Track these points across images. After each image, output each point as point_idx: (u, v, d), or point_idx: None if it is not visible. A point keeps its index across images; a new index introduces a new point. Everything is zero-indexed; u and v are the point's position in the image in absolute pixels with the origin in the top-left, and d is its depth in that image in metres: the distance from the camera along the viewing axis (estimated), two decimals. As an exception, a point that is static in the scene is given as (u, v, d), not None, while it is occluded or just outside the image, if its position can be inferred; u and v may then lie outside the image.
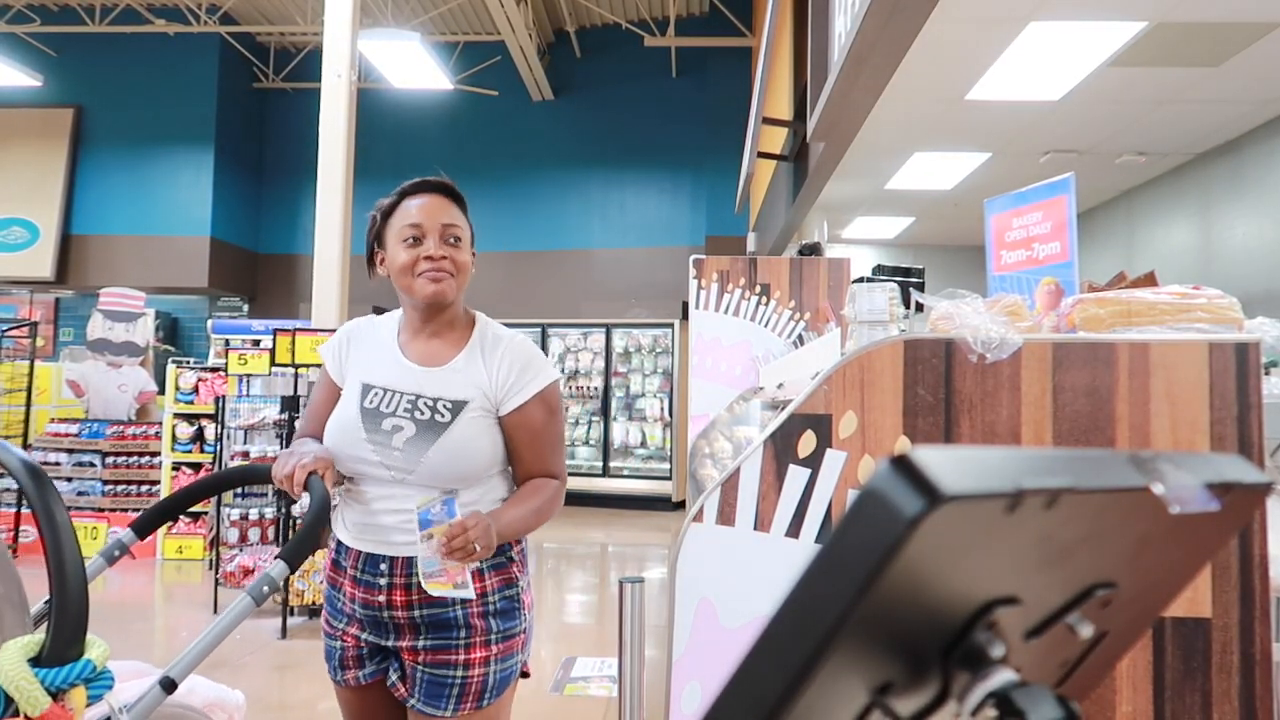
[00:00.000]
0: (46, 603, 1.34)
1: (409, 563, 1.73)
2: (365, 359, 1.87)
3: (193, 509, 6.93)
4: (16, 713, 1.12)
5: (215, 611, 5.49)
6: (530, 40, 10.45)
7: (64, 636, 1.16)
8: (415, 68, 9.27)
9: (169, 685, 1.31)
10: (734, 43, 10.85)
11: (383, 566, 1.75)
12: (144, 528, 1.71)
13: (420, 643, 1.76)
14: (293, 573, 1.55)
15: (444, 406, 1.78)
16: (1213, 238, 6.74)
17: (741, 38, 10.81)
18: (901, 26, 3.20)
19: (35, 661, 1.14)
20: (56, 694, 1.13)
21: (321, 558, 4.54)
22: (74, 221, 11.70)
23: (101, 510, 7.25)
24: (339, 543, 1.84)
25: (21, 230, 11.50)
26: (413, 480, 1.75)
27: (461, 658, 1.75)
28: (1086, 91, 5.36)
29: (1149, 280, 1.80)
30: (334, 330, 5.80)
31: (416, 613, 1.75)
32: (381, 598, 1.75)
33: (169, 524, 7.03)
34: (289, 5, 11.29)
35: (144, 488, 7.36)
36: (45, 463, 7.35)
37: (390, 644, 1.79)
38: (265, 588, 1.49)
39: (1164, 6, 4.21)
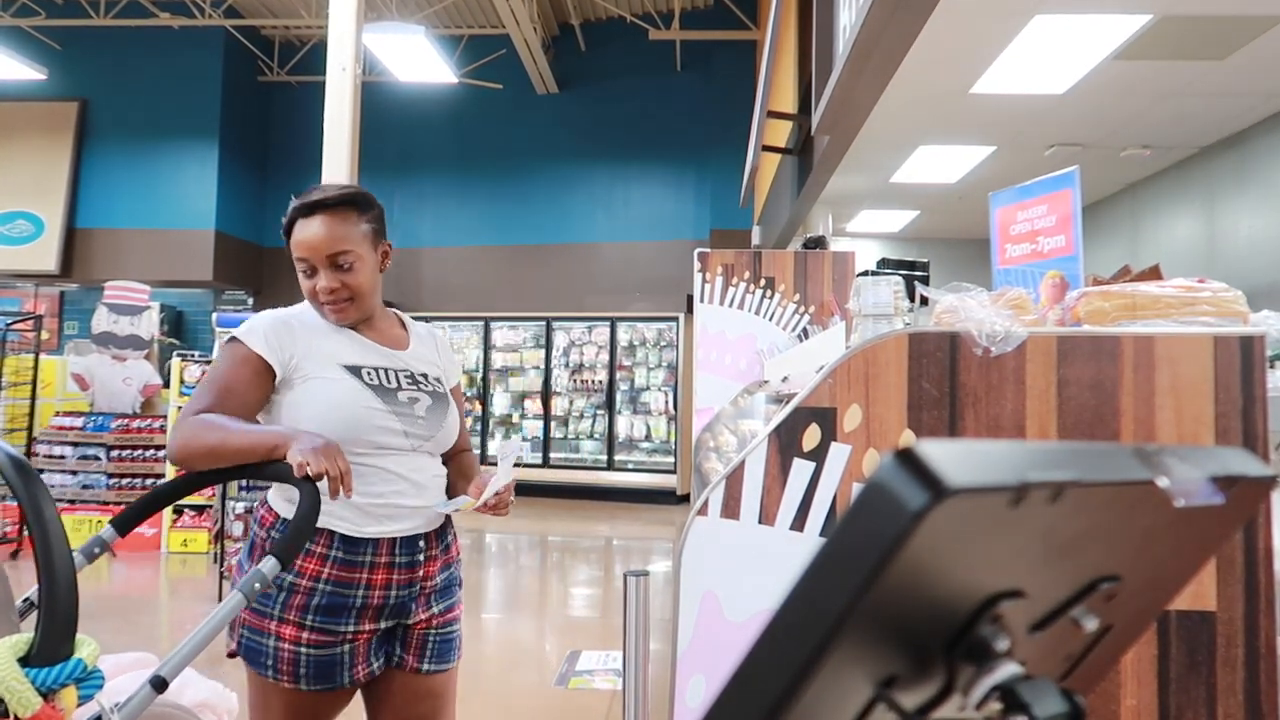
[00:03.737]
0: (25, 600, 1.31)
1: (439, 532, 1.90)
2: (324, 345, 1.83)
3: (198, 503, 6.96)
4: (6, 713, 1.10)
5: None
6: (535, 34, 10.43)
7: (54, 636, 1.13)
8: (420, 61, 9.26)
9: (160, 684, 1.29)
10: (738, 36, 10.82)
11: (421, 544, 1.85)
12: (125, 524, 1.64)
13: (436, 608, 1.89)
14: (284, 569, 1.51)
15: (434, 379, 1.95)
16: (1217, 231, 6.72)
17: (746, 31, 10.78)
18: (906, 19, 3.19)
19: (24, 661, 1.11)
20: (47, 694, 1.11)
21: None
22: (79, 215, 11.71)
23: (106, 503, 7.27)
24: (345, 539, 1.76)
25: (26, 224, 11.52)
26: (426, 449, 1.87)
27: (458, 613, 1.96)
28: (1091, 85, 5.34)
29: (1154, 274, 1.80)
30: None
31: (440, 578, 1.89)
32: (421, 572, 1.84)
33: (174, 517, 7.05)
34: (293, -2, 11.29)
35: (149, 481, 7.38)
36: (50, 456, 7.37)
37: (409, 620, 1.85)
38: (257, 584, 1.46)
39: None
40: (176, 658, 1.33)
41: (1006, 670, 0.45)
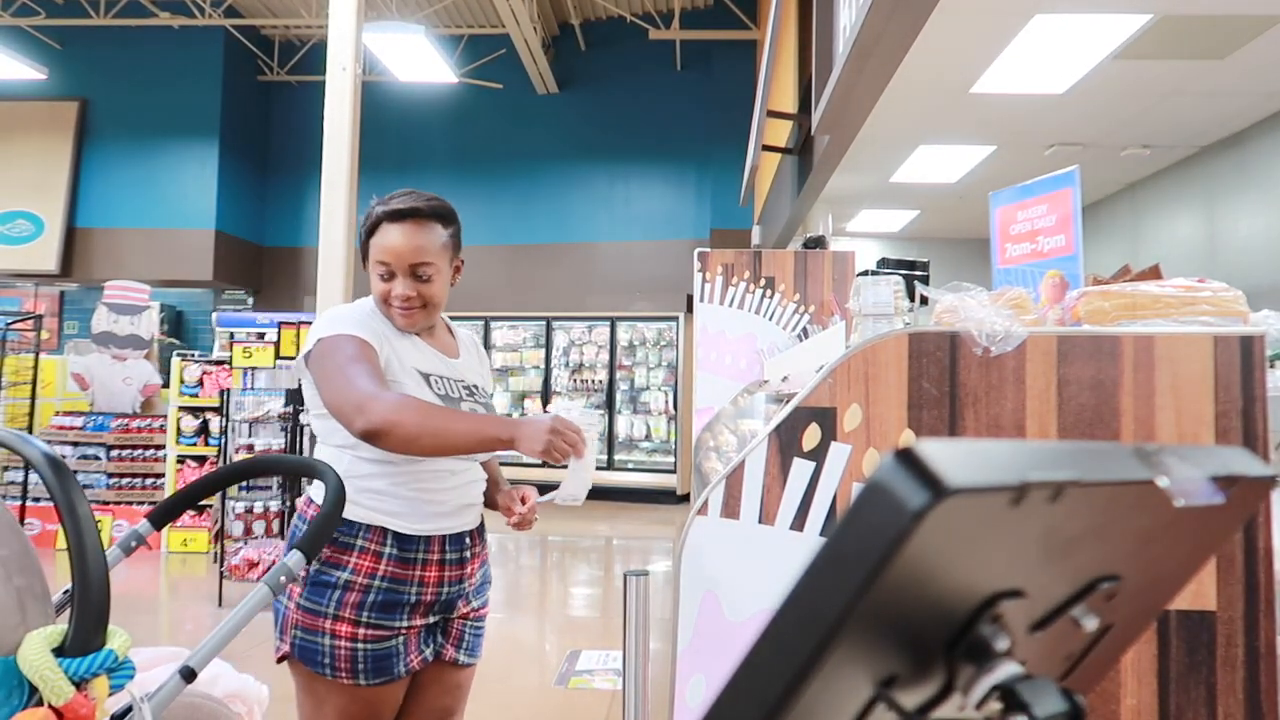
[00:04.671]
0: (65, 593, 1.34)
1: (480, 530, 1.96)
2: (400, 347, 1.84)
3: (199, 502, 6.96)
4: (40, 702, 1.12)
5: (220, 605, 5.51)
6: (535, 33, 10.43)
7: (86, 627, 1.17)
8: (420, 61, 9.26)
9: (189, 674, 1.33)
10: (738, 35, 10.82)
11: (467, 540, 1.90)
12: (160, 519, 1.69)
13: (475, 603, 1.95)
14: (309, 563, 1.53)
15: (484, 391, 1.99)
16: (1217, 231, 6.72)
17: (746, 30, 10.78)
18: (906, 19, 3.19)
19: (58, 651, 1.15)
20: (79, 683, 1.14)
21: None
22: (79, 214, 11.70)
23: (106, 503, 7.27)
24: (399, 536, 1.78)
25: (26, 223, 11.51)
26: (477, 458, 1.94)
27: (488, 609, 2.03)
28: (1092, 84, 5.34)
29: (1154, 273, 1.80)
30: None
31: (479, 574, 1.95)
32: (469, 569, 1.90)
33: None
34: (293, -2, 11.28)
35: (149, 481, 7.38)
36: (51, 456, 7.35)
37: (454, 615, 1.90)
38: (282, 578, 1.49)
39: (1170, -2, 4.19)
40: (205, 649, 1.36)
41: (1006, 670, 0.45)
